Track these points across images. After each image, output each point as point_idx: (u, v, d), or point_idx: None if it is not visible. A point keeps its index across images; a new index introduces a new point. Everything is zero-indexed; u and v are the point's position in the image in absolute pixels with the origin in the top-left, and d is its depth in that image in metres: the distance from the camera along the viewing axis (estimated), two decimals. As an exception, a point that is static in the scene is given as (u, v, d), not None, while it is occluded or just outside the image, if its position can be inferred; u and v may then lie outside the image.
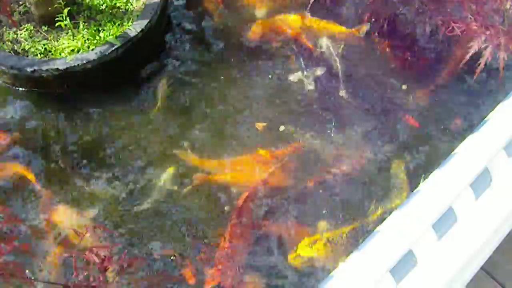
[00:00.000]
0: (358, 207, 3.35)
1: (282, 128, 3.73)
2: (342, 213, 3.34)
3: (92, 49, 3.82)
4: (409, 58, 4.03)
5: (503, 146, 2.61)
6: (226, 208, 3.36)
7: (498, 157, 2.60)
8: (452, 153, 2.60)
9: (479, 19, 3.46)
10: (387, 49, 4.07)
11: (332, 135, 3.67)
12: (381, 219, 3.06)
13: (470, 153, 2.57)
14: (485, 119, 2.72)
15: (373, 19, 4.16)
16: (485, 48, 3.39)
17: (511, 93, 2.81)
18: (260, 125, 3.74)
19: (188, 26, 4.31)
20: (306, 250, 3.15)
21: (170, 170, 3.53)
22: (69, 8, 3.85)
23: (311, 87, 3.89)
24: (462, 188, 2.45)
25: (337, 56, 4.01)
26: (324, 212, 3.36)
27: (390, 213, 2.82)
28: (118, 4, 4.11)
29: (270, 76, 3.98)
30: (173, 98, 3.90)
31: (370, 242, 2.29)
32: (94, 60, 3.78)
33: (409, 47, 4.10)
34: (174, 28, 4.30)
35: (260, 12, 4.32)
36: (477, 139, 2.63)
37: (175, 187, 3.47)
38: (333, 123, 3.73)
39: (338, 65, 3.97)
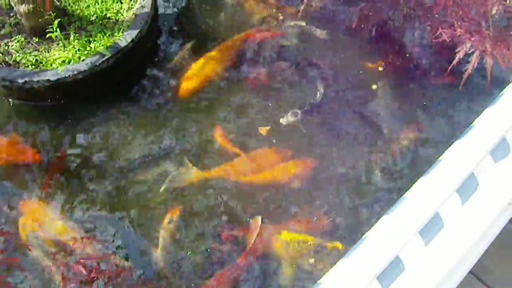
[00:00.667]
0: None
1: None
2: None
3: (83, 60, 3.84)
4: (397, 63, 4.06)
5: (489, 151, 2.63)
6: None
7: (485, 162, 2.63)
8: (439, 159, 2.62)
9: (465, 25, 3.49)
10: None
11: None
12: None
13: (457, 158, 2.59)
14: (471, 124, 2.74)
15: (362, 25, 4.17)
16: (472, 53, 3.43)
17: (497, 99, 2.83)
18: (263, 129, 3.77)
19: (178, 35, 4.34)
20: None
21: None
22: (59, 19, 3.86)
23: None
24: (449, 194, 2.47)
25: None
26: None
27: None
28: (108, 15, 4.14)
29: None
30: (164, 107, 3.93)
31: (357, 249, 2.30)
32: (85, 71, 3.80)
33: (397, 52, 4.13)
34: (164, 38, 4.32)
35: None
36: (463, 144, 2.65)
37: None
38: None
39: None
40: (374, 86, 3.95)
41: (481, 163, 2.60)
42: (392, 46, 4.17)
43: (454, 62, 3.46)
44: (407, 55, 4.15)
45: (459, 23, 3.50)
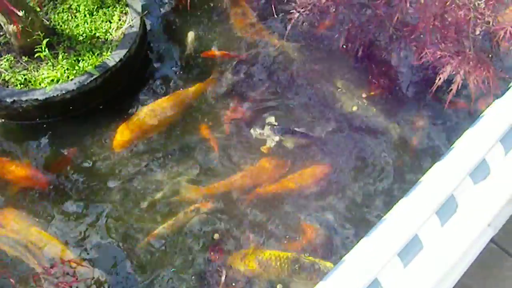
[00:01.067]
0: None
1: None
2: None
3: (72, 79, 3.87)
4: (383, 83, 4.09)
5: (468, 173, 2.66)
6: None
7: (464, 183, 2.65)
8: (419, 180, 2.65)
9: (449, 46, 3.53)
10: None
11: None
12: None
13: (436, 180, 2.61)
14: (451, 146, 2.77)
15: (349, 44, 4.21)
16: (456, 74, 3.46)
17: (477, 120, 2.85)
18: (265, 148, 3.82)
19: (166, 54, 4.38)
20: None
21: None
22: (48, 39, 3.90)
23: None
24: (428, 216, 2.49)
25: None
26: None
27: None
28: (97, 34, 4.17)
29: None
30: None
31: (336, 271, 2.32)
32: (73, 90, 3.83)
33: (384, 72, 4.16)
34: (153, 57, 4.36)
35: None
36: (443, 166, 2.67)
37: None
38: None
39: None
40: (354, 108, 3.99)
41: (460, 184, 2.62)
42: (378, 66, 4.20)
43: (439, 82, 3.50)
44: (394, 76, 4.19)
45: (442, 44, 3.53)
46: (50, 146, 3.89)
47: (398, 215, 2.48)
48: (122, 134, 3.83)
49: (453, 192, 2.60)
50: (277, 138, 3.83)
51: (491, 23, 3.51)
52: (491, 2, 3.39)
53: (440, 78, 3.40)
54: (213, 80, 4.17)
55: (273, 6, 4.19)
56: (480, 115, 2.92)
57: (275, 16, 4.36)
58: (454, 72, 3.41)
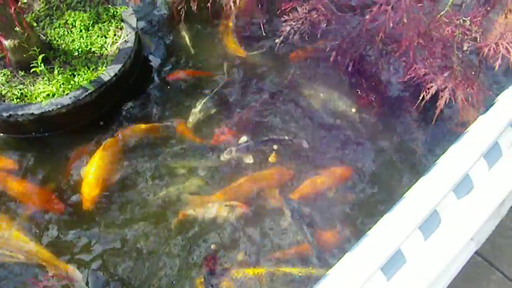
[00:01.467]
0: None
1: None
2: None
3: (67, 94, 3.93)
4: (372, 98, 4.15)
5: (452, 189, 2.71)
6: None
7: (448, 199, 2.70)
8: (403, 196, 2.70)
9: (438, 61, 3.60)
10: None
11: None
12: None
13: (420, 195, 2.67)
14: (436, 162, 2.82)
15: (340, 58, 4.27)
16: (444, 89, 3.53)
17: (461, 136, 2.91)
18: (272, 156, 3.89)
19: (161, 69, 4.45)
20: None
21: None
22: (44, 54, 3.97)
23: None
24: (411, 231, 2.54)
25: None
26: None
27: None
28: (93, 49, 4.24)
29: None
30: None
31: (319, 286, 2.37)
32: (68, 104, 3.90)
33: (373, 87, 4.23)
34: (148, 72, 4.43)
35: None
36: (426, 181, 2.72)
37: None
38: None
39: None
40: (338, 121, 4.06)
41: (444, 199, 2.67)
42: (368, 80, 4.27)
43: (427, 98, 3.56)
44: (383, 90, 4.26)
45: (430, 60, 3.60)
46: (43, 159, 3.95)
47: (381, 230, 2.53)
48: (89, 192, 3.77)
49: (436, 207, 2.65)
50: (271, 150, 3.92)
51: (478, 39, 3.58)
52: (476, 19, 3.47)
53: (424, 95, 3.46)
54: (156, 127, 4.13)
55: (261, 24, 4.26)
56: (465, 131, 2.98)
57: (264, 33, 4.43)
58: (443, 87, 3.47)
